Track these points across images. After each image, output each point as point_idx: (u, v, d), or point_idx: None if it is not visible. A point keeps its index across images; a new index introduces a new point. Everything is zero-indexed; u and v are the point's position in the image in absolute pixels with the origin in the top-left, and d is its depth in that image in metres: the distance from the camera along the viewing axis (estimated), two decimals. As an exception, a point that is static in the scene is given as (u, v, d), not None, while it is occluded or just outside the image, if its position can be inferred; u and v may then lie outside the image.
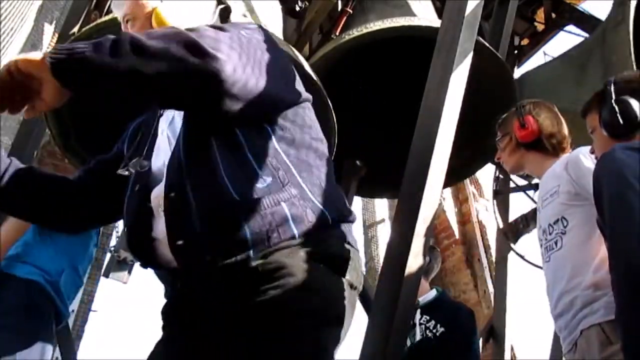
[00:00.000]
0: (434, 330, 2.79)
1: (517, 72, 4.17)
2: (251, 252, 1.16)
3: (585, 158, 2.07)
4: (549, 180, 2.19)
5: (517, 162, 2.31)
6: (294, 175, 1.24)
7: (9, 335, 2.52)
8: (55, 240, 2.84)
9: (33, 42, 3.65)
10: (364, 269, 1.32)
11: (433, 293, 2.98)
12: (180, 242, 1.19)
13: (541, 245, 2.19)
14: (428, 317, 2.81)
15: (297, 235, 1.19)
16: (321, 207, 1.25)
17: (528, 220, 3.56)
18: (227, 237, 1.16)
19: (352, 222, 1.36)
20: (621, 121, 1.80)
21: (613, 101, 1.82)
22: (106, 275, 3.46)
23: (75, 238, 3.01)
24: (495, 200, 3.66)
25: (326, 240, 1.24)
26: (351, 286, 1.26)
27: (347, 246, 1.28)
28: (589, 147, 2.14)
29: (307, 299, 1.16)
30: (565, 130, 2.29)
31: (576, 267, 2.00)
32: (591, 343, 1.89)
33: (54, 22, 3.86)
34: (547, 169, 2.21)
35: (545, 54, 4.17)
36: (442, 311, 2.86)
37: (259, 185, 1.20)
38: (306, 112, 1.35)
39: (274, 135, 1.27)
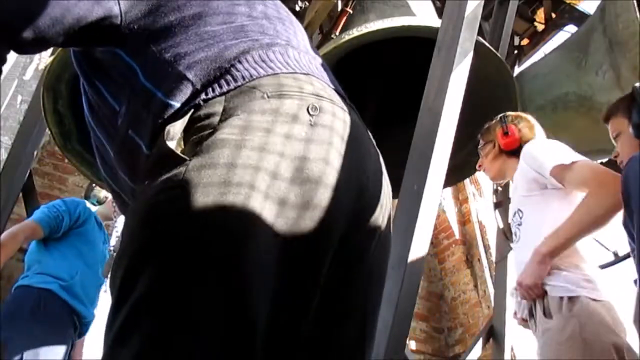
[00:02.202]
0: None
1: (517, 72, 4.18)
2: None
3: (532, 145, 2.23)
4: (515, 179, 2.31)
5: (499, 169, 2.41)
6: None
7: (18, 338, 2.77)
8: (60, 248, 3.09)
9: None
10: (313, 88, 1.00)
11: None
12: None
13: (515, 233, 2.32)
14: None
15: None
16: (164, 98, 0.98)
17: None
18: None
19: (267, 47, 1.02)
20: None
21: None
22: (106, 275, 3.46)
23: (82, 238, 3.16)
24: (496, 192, 3.68)
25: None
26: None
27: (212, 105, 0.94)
28: (535, 141, 2.24)
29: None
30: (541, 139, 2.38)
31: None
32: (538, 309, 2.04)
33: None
34: None
35: (545, 54, 4.17)
36: None
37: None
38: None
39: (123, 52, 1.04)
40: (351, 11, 3.12)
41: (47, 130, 2.81)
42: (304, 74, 1.02)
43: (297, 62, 1.04)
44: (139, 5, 1.04)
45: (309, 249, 0.91)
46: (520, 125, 2.36)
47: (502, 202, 3.62)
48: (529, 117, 2.45)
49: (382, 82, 3.44)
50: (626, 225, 1.60)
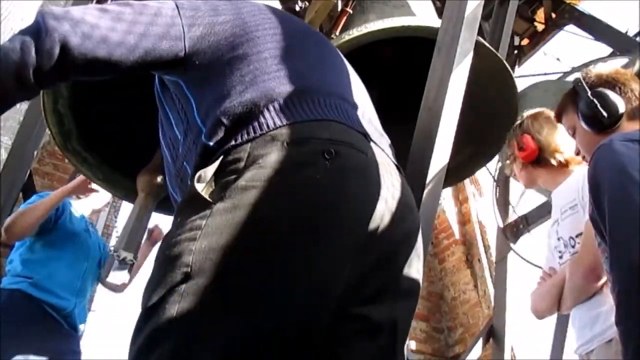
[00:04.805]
0: None
1: (517, 72, 4.18)
2: None
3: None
4: (566, 192, 2.22)
5: (528, 179, 2.38)
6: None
7: None
8: (31, 248, 3.11)
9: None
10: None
11: None
12: None
13: (561, 256, 2.21)
14: None
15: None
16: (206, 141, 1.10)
17: (528, 221, 3.57)
18: None
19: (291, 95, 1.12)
20: (604, 114, 1.75)
21: (590, 95, 1.78)
22: (106, 275, 3.46)
23: (57, 232, 3.15)
24: (495, 191, 3.67)
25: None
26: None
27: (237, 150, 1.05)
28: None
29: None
30: (568, 141, 2.28)
31: None
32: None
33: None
34: (560, 181, 2.25)
35: (545, 54, 4.17)
36: None
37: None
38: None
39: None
40: (351, 11, 3.12)
41: (47, 130, 2.80)
42: (325, 120, 1.10)
43: (320, 108, 1.11)
44: (203, 42, 1.14)
45: (328, 272, 1.02)
46: (536, 131, 2.31)
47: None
48: (544, 117, 2.37)
49: (382, 82, 3.44)
50: (594, 219, 1.53)
